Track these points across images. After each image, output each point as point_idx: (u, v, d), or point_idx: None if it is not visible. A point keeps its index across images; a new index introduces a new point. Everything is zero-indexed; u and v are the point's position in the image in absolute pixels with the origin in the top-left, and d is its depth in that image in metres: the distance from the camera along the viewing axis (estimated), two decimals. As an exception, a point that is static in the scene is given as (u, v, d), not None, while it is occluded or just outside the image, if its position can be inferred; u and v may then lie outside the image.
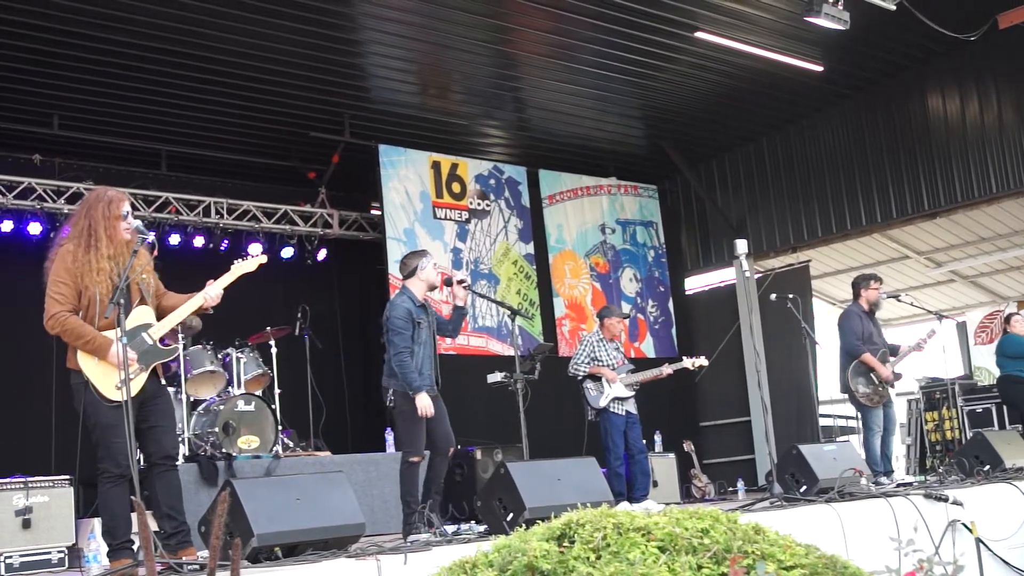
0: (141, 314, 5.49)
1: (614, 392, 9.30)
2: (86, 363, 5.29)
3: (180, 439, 9.13)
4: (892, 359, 9.37)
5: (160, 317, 5.63)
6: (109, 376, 5.28)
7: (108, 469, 5.30)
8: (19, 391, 10.15)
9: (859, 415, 9.47)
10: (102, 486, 5.34)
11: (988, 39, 11.19)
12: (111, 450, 5.25)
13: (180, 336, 9.14)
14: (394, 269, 11.49)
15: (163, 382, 5.74)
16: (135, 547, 5.43)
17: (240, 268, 5.97)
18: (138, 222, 5.58)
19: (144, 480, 5.40)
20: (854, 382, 9.25)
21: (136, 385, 5.32)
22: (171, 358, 5.62)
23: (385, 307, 7.48)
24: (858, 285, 9.65)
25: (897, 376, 9.38)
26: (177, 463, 6.16)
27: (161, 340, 5.58)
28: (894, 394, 9.60)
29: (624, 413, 9.35)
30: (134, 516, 5.24)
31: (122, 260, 5.38)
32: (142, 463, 5.52)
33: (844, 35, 9.92)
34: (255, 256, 6.04)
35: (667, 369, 9.65)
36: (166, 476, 5.55)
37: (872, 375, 9.26)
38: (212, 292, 5.73)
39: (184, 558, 5.12)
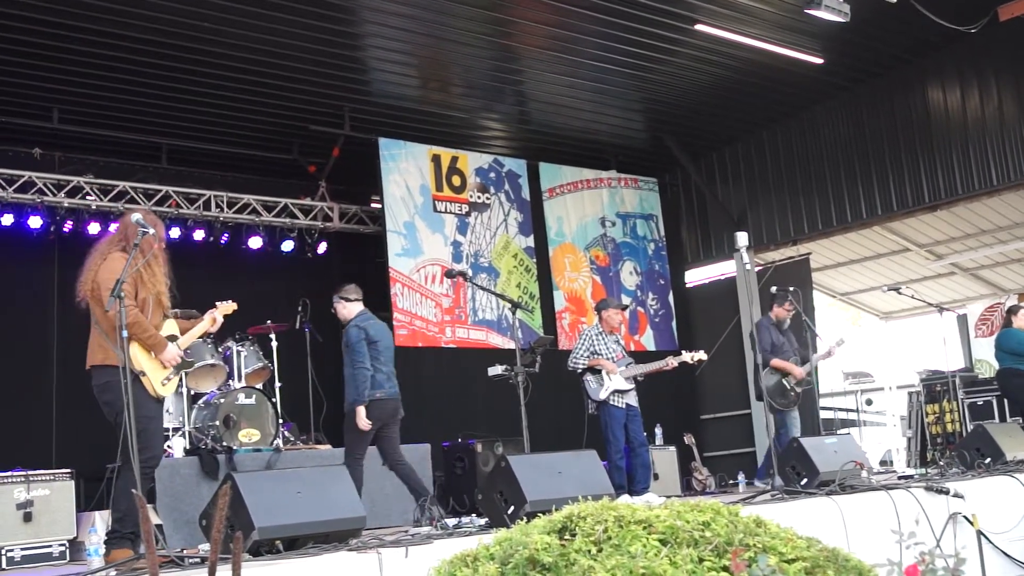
0: (170, 326, 6.02)
1: (614, 385, 9.30)
2: (142, 357, 5.75)
3: (181, 433, 9.15)
4: (804, 365, 9.88)
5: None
6: (158, 373, 5.82)
7: (151, 461, 5.72)
8: (20, 384, 10.16)
9: (773, 419, 9.68)
10: (143, 473, 5.46)
11: (988, 31, 11.17)
12: (152, 442, 5.74)
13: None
14: (395, 263, 11.53)
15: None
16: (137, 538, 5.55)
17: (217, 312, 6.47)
18: (138, 215, 5.79)
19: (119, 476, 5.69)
20: (770, 387, 9.60)
21: (173, 387, 5.97)
22: (192, 368, 6.13)
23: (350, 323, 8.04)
24: (772, 299, 10.12)
25: (808, 381, 10.03)
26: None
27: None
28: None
29: (624, 406, 9.35)
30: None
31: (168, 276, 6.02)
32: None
33: (844, 27, 9.92)
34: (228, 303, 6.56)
35: (672, 361, 9.65)
36: (147, 479, 5.91)
37: (785, 379, 9.78)
38: (218, 318, 6.41)
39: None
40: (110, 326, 5.55)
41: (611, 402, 9.29)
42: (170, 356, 5.84)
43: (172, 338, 5.98)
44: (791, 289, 9.53)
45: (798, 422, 9.97)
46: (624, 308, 10.52)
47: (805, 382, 9.96)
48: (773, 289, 9.70)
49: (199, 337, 9.19)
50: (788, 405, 9.81)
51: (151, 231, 5.70)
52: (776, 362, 9.77)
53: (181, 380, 9.23)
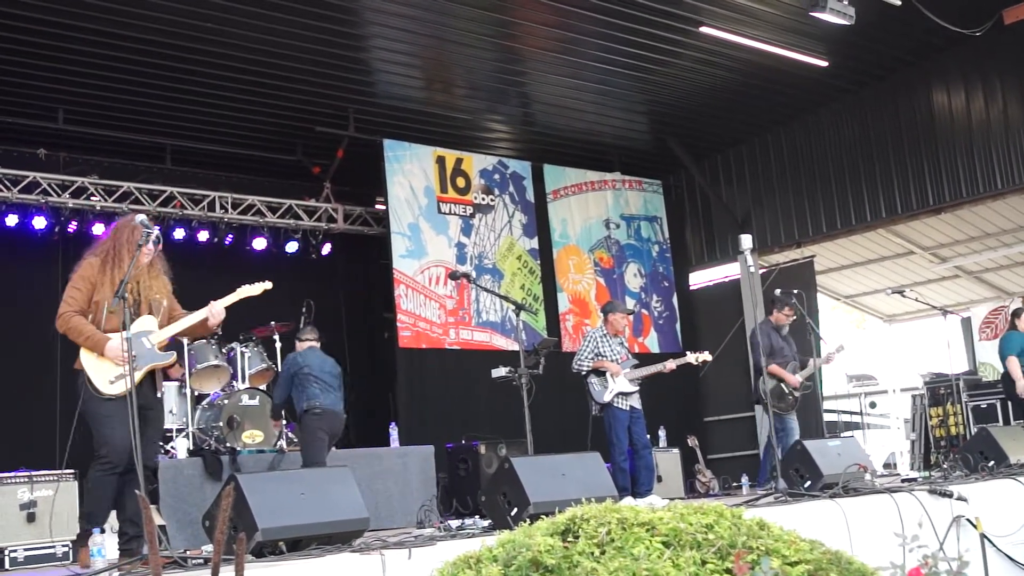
0: (144, 322, 5.87)
1: (618, 387, 9.30)
2: (86, 359, 5.69)
3: (184, 434, 9.16)
4: (803, 371, 9.92)
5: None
6: (104, 372, 5.67)
7: (104, 456, 5.62)
8: (24, 385, 10.17)
9: (776, 421, 9.70)
10: (95, 472, 5.64)
11: (993, 34, 11.14)
12: (107, 439, 5.60)
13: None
14: (399, 264, 11.54)
15: (159, 394, 6.09)
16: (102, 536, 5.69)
17: (245, 291, 6.26)
18: (143, 216, 5.89)
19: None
20: (767, 392, 9.52)
21: (128, 383, 5.57)
22: (166, 363, 5.92)
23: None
24: (771, 304, 10.11)
25: (806, 387, 10.03)
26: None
27: (166, 348, 5.95)
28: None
29: (628, 408, 9.34)
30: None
31: (143, 279, 5.86)
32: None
33: (849, 30, 9.91)
34: (261, 283, 6.34)
35: (670, 364, 9.64)
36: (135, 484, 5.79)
37: (782, 384, 9.79)
38: (216, 307, 6.03)
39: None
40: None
41: (615, 404, 9.29)
42: (113, 352, 5.60)
43: (145, 333, 5.79)
44: (795, 292, 9.48)
45: (796, 425, 9.96)
46: (630, 313, 10.53)
47: (804, 387, 9.97)
48: (777, 292, 9.68)
49: (205, 339, 9.29)
50: (786, 409, 9.82)
51: (155, 232, 5.77)
52: (772, 368, 9.71)
53: (185, 381, 9.26)
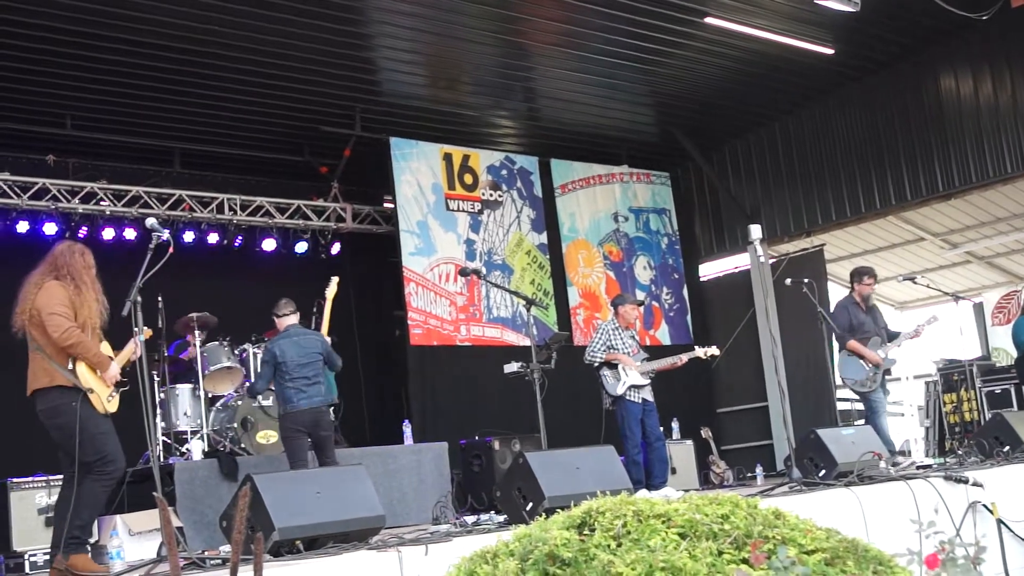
0: (105, 347, 6.16)
1: (631, 380, 9.29)
2: (88, 377, 5.89)
3: (199, 436, 9.19)
4: (890, 344, 9.59)
5: None
6: (103, 390, 5.96)
7: (114, 474, 5.94)
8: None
9: (862, 402, 9.63)
10: (98, 486, 5.86)
11: (1000, 18, 11.07)
12: (116, 458, 5.93)
13: (196, 332, 9.21)
14: (408, 262, 11.55)
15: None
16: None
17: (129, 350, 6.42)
18: (153, 220, 5.92)
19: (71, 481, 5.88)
20: (846, 370, 9.56)
21: (116, 404, 6.07)
22: (125, 388, 6.25)
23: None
24: (851, 278, 9.98)
25: (890, 362, 9.64)
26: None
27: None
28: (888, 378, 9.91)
29: (641, 401, 9.34)
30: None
31: (101, 299, 6.12)
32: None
33: (854, 17, 9.88)
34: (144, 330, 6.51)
35: (683, 358, 9.64)
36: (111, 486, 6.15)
37: (862, 362, 9.52)
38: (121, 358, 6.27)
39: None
40: (55, 349, 5.82)
41: (628, 397, 9.29)
42: (112, 375, 6.02)
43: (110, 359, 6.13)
44: (805, 280, 9.35)
45: (881, 399, 9.63)
46: (640, 304, 10.50)
47: (887, 362, 9.57)
48: (856, 268, 9.75)
49: (217, 341, 9.33)
50: (868, 387, 9.52)
51: (165, 235, 5.81)
52: (851, 344, 9.52)
53: (198, 383, 9.29)
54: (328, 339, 8.76)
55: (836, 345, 10.06)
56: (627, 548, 2.52)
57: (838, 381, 13.38)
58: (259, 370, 8.72)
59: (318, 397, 8.30)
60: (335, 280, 9.68)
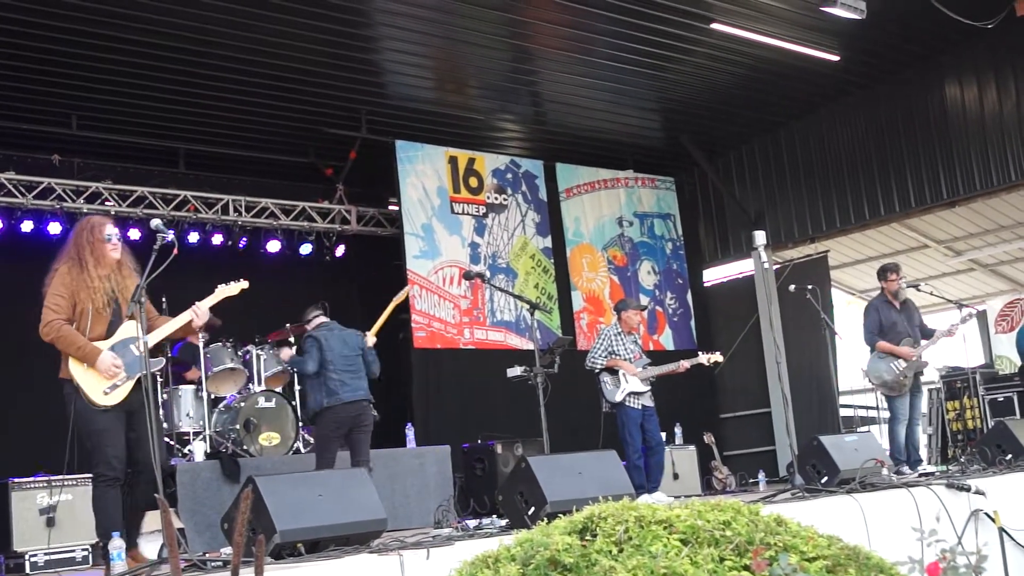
0: (128, 328, 5.76)
1: (631, 387, 9.28)
2: (76, 370, 5.63)
3: (201, 437, 9.19)
4: (924, 342, 9.43)
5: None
6: (97, 383, 5.63)
7: (103, 472, 5.62)
8: (41, 390, 10.19)
9: (886, 404, 9.58)
10: (96, 488, 5.67)
11: (1005, 26, 11.08)
12: (104, 454, 5.60)
13: (200, 334, 9.20)
14: (412, 265, 11.55)
15: (162, 395, 6.10)
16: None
17: (223, 291, 6.23)
18: (157, 221, 5.80)
19: (124, 484, 5.70)
20: (874, 372, 9.32)
21: (122, 393, 5.68)
22: (156, 368, 5.99)
23: None
24: (878, 277, 9.84)
25: (923, 363, 9.47)
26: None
27: (152, 353, 5.79)
28: (921, 382, 9.74)
29: (640, 407, 9.33)
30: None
31: (115, 276, 5.82)
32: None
33: (860, 24, 9.88)
34: (238, 282, 6.31)
35: (685, 364, 9.64)
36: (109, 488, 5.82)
37: (893, 364, 9.33)
38: (201, 308, 5.98)
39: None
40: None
41: (627, 403, 9.28)
42: (104, 366, 5.61)
43: (132, 339, 5.72)
44: (808, 287, 9.38)
45: (905, 408, 9.40)
46: (643, 309, 10.49)
47: (917, 364, 9.37)
48: (881, 266, 9.58)
49: (221, 342, 9.32)
50: (898, 390, 9.38)
51: (169, 236, 5.70)
52: (881, 345, 9.35)
53: (201, 384, 9.28)
54: (368, 339, 8.49)
55: (834, 347, 10.03)
56: (629, 554, 2.52)
57: (843, 386, 13.39)
58: (305, 353, 8.15)
59: (362, 391, 8.11)
60: (407, 289, 9.85)
